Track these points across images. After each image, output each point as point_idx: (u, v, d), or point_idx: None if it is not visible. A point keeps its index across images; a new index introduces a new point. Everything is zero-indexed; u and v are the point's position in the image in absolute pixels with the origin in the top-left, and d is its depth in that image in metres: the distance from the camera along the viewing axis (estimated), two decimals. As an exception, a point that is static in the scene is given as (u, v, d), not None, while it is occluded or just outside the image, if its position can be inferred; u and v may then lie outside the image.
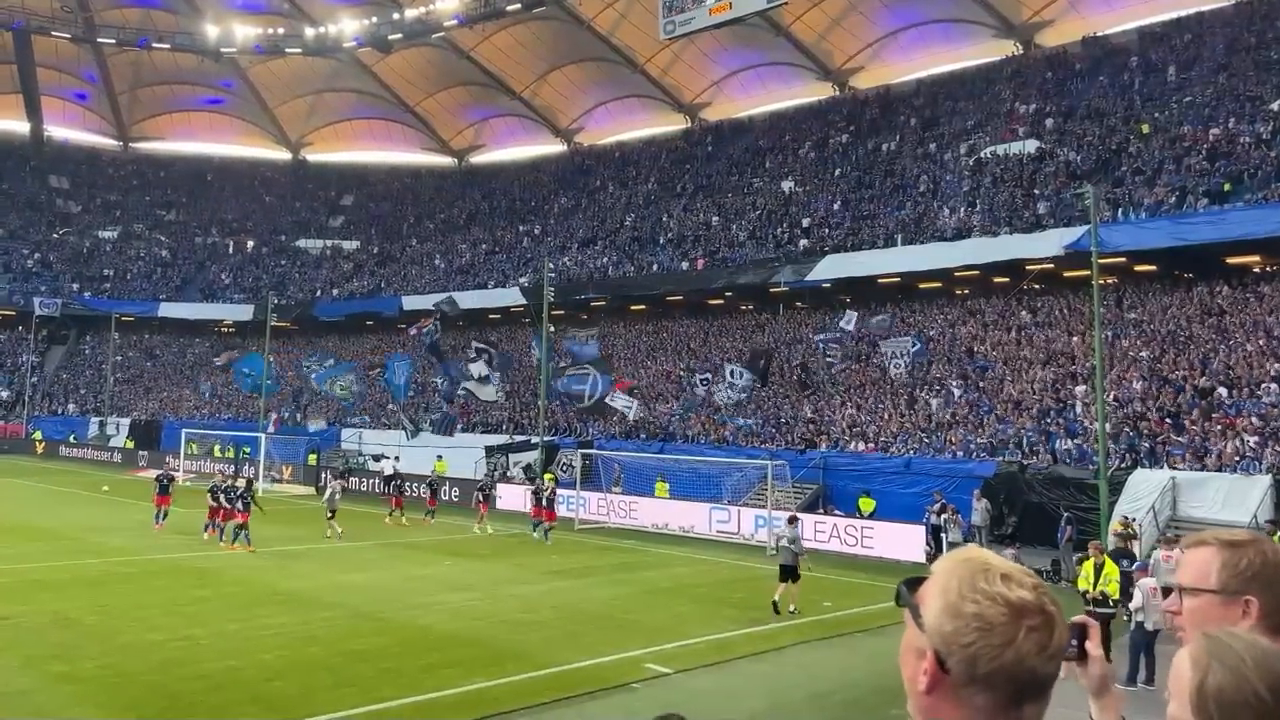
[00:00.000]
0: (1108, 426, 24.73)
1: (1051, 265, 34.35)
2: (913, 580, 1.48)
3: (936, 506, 25.18)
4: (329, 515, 25.58)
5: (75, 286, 68.54)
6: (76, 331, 70.16)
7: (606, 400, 36.00)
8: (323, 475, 28.93)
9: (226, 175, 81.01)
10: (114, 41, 69.71)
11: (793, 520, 18.40)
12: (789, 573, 17.09)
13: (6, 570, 19.22)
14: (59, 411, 64.06)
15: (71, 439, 58.63)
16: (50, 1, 66.93)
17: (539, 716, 11.25)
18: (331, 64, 71.37)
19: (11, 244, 70.58)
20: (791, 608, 17.07)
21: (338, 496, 26.30)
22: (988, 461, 27.94)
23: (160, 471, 28.44)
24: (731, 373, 36.27)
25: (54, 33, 67.57)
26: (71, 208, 76.35)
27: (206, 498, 24.47)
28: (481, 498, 29.25)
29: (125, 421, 59.39)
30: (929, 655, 1.38)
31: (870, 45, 56.82)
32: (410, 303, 58.99)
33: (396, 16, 63.64)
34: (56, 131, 79.02)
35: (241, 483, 24.18)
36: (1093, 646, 1.51)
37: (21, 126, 77.20)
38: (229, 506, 23.50)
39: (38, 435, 60.37)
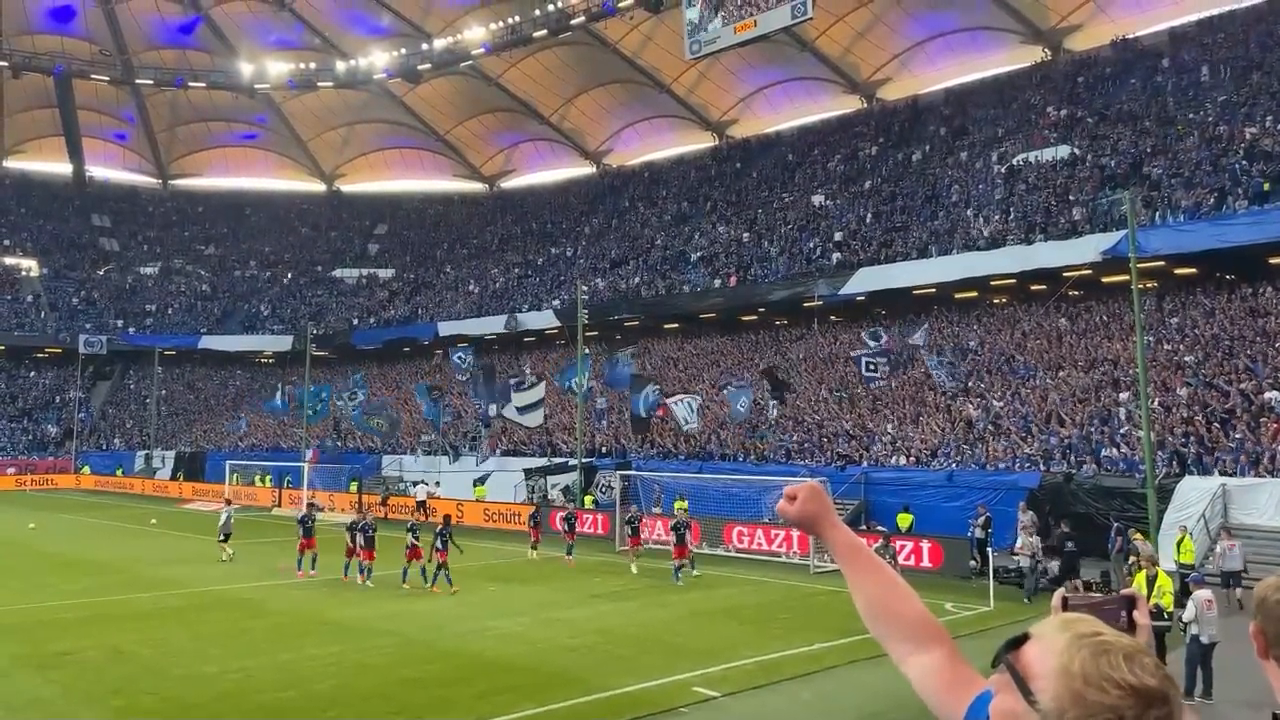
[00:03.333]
0: (1153, 434, 24.39)
1: (1089, 271, 33.99)
2: (1014, 641, 1.40)
3: (981, 520, 24.94)
4: (221, 539, 26.26)
5: (119, 323, 69.93)
6: (121, 367, 71.54)
7: (665, 410, 36.05)
8: (225, 512, 26.64)
9: (263, 209, 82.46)
10: (152, 82, 71.44)
11: (886, 538, 21.08)
12: None
13: (65, 605, 19.61)
14: (105, 446, 65.25)
15: (119, 472, 59.73)
16: (89, 46, 68.75)
17: (591, 742, 11.29)
18: (363, 96, 72.54)
19: (57, 283, 72.23)
20: None
21: (231, 521, 26.87)
22: (1032, 472, 27.61)
23: (303, 512, 25.53)
24: (731, 390, 36.21)
25: (93, 75, 69.32)
26: (113, 245, 78.05)
27: (348, 537, 22.94)
28: (630, 531, 25.79)
29: (170, 454, 60.36)
30: None
31: (897, 56, 56.77)
32: (446, 329, 59.63)
33: (425, 47, 64.57)
34: (98, 171, 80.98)
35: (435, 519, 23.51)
36: (1140, 616, 1.52)
37: (64, 168, 79.18)
38: (413, 544, 22.10)
39: (85, 470, 61.51)
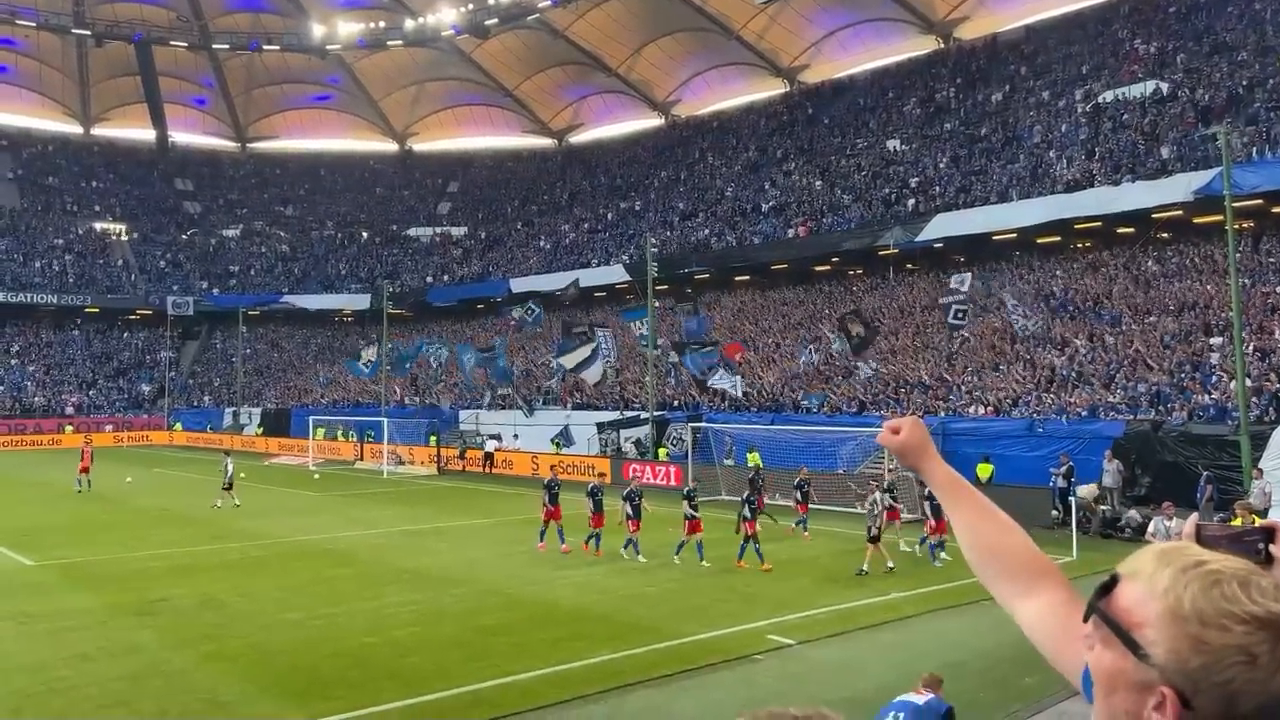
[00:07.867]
0: (1248, 379, 23.39)
1: (1180, 212, 32.59)
2: (1105, 587, 1.19)
3: (1063, 469, 24.32)
4: (226, 488, 28.21)
5: (204, 284, 72.07)
6: (208, 327, 73.83)
7: (711, 382, 35.85)
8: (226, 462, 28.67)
9: (338, 169, 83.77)
10: (228, 46, 72.76)
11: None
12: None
13: (161, 555, 20.44)
14: (195, 404, 67.63)
15: (208, 428, 61.91)
16: (167, 13, 70.12)
17: (663, 688, 11.37)
18: (432, 54, 72.75)
19: (145, 247, 74.59)
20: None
21: (230, 471, 28.50)
22: (1116, 421, 26.77)
23: (549, 477, 23.36)
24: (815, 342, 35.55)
25: (172, 42, 70.83)
26: (196, 209, 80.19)
27: (587, 502, 20.60)
28: (891, 500, 20.51)
29: (256, 411, 62.25)
30: (1167, 695, 1.11)
31: (975, -7, 54.74)
32: (518, 285, 60.02)
33: (492, 1, 64.34)
34: (179, 137, 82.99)
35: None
36: (1278, 549, 1.30)
37: (148, 134, 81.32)
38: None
39: (178, 426, 63.85)
